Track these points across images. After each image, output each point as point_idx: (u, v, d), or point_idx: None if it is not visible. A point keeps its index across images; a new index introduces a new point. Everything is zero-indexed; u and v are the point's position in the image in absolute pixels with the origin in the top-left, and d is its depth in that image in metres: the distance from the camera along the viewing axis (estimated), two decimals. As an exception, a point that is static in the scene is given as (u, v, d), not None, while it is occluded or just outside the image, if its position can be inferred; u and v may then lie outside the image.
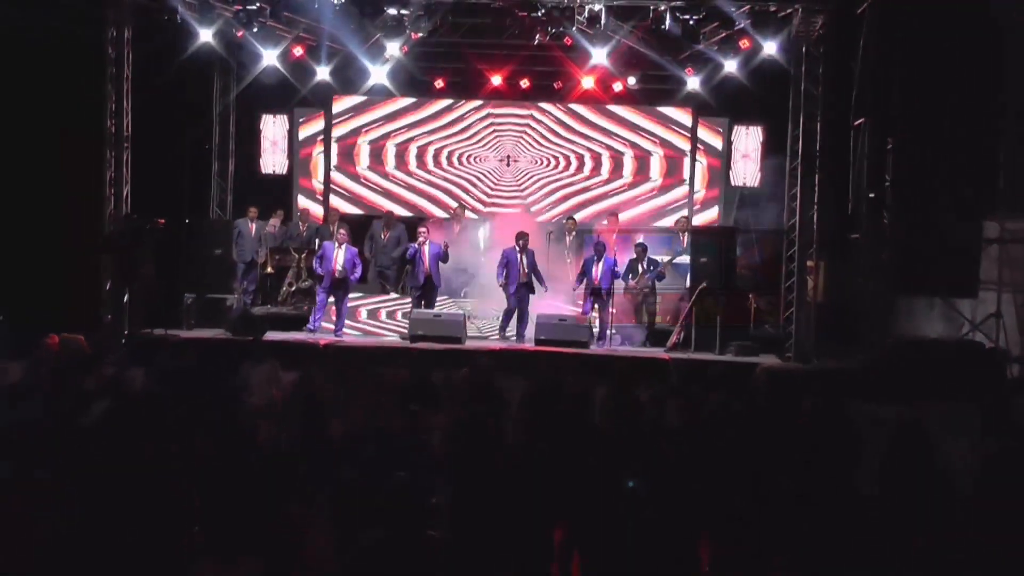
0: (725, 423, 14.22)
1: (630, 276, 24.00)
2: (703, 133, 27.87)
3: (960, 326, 22.49)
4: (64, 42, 23.32)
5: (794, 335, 22.90)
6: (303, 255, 25.81)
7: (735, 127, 27.70)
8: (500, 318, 24.04)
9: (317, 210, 28.02)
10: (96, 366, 17.03)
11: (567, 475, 12.73)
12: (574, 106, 28.01)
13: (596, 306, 23.67)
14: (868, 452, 14.30)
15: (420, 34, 24.76)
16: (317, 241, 25.54)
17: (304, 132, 28.83)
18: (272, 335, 22.82)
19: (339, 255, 23.41)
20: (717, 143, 27.90)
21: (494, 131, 28.14)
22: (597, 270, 23.39)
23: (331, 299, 23.76)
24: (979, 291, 21.85)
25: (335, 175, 28.46)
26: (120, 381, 16.39)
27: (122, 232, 23.15)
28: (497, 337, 23.93)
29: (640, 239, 24.70)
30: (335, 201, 28.15)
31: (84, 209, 24.02)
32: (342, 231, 24.15)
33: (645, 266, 23.93)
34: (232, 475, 11.27)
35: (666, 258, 24.37)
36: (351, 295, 24.19)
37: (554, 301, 24.31)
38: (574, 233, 25.60)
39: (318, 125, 28.70)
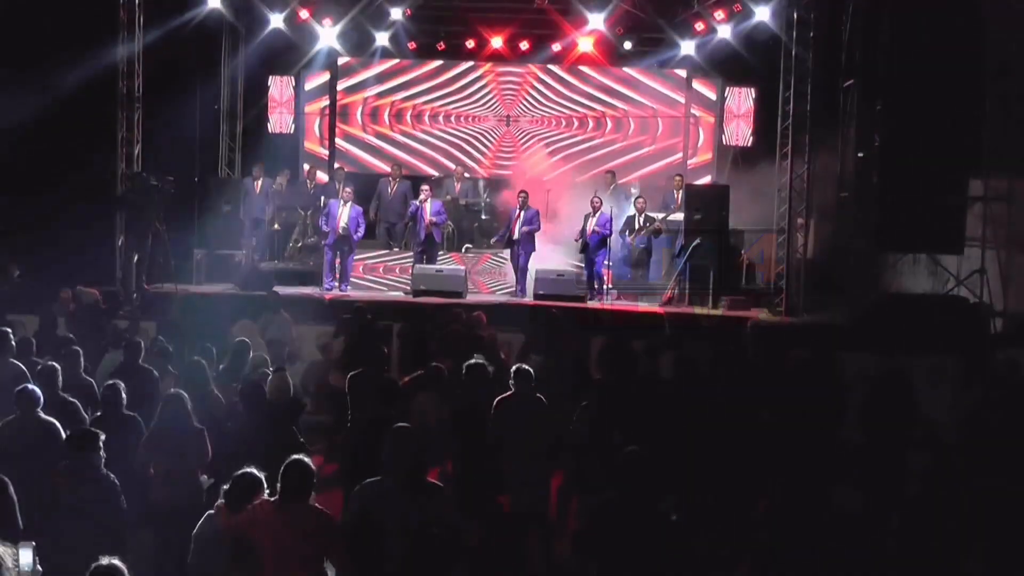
0: (717, 374, 14.84)
1: (627, 232, 24.34)
2: (697, 95, 28.28)
3: (945, 282, 22.89)
4: (79, 5, 23.77)
5: (784, 290, 23.36)
6: (309, 213, 26.08)
7: (728, 89, 28.04)
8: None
9: (321, 168, 28.42)
10: (110, 319, 17.52)
11: (568, 423, 13.33)
12: (572, 67, 28.41)
13: (592, 260, 24.00)
14: (853, 401, 14.96)
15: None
16: (323, 199, 25.82)
17: (310, 93, 29.22)
18: (279, 290, 23.14)
19: (343, 212, 23.62)
20: (711, 104, 28.31)
21: (494, 92, 28.54)
22: (591, 225, 23.81)
23: (336, 255, 23.97)
24: (964, 247, 22.07)
25: (339, 134, 28.93)
26: (133, 334, 16.97)
27: (133, 190, 23.55)
28: (500, 292, 24.36)
29: (638, 194, 25.02)
30: (339, 159, 28.58)
31: (97, 167, 24.46)
32: (347, 189, 24.34)
33: (642, 222, 24.25)
34: (251, 423, 11.84)
35: (662, 214, 24.71)
36: (356, 251, 24.62)
37: (554, 257, 24.77)
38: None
39: (324, 86, 29.13)
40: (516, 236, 23.91)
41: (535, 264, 24.11)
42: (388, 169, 27.01)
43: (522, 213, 23.89)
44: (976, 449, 12.85)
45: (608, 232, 23.69)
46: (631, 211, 24.56)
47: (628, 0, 25.15)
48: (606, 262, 23.95)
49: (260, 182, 26.43)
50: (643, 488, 9.51)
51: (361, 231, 24.02)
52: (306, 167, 28.15)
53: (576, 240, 23.93)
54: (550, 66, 28.50)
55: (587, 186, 26.29)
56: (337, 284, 23.95)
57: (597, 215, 23.60)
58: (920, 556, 10.20)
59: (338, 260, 24.04)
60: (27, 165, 24.10)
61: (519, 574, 11.61)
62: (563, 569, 12.90)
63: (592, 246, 23.73)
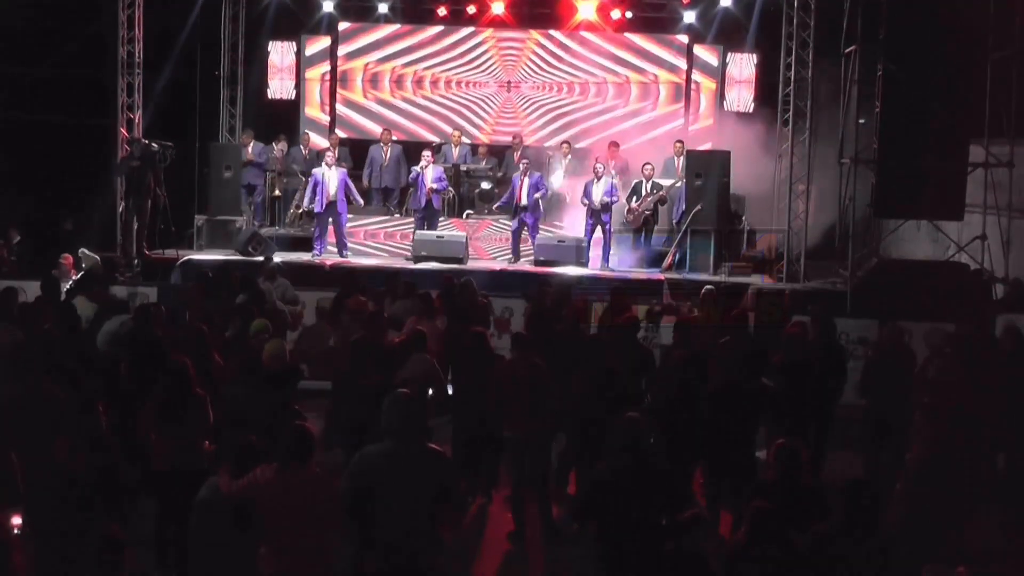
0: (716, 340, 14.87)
1: (634, 198, 24.31)
2: (698, 61, 28.19)
3: (946, 248, 22.94)
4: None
5: (785, 256, 23.36)
6: (308, 179, 26.05)
7: (729, 54, 27.93)
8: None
9: (320, 134, 28.34)
10: (110, 284, 17.54)
11: (564, 389, 13.36)
12: (574, 33, 28.31)
13: (596, 227, 23.93)
14: (853, 366, 15.05)
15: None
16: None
17: (310, 59, 29.12)
18: (279, 256, 23.20)
19: (331, 178, 23.64)
20: (712, 70, 28.21)
21: (495, 57, 28.43)
22: (597, 192, 23.77)
23: (329, 220, 23.98)
24: (965, 213, 22.11)
25: (339, 100, 28.88)
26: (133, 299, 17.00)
27: (134, 156, 23.50)
28: (501, 258, 24.43)
29: (648, 162, 24.93)
30: (340, 125, 28.54)
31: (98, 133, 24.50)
32: (329, 153, 24.47)
33: (649, 189, 24.22)
34: (241, 391, 11.84)
35: (669, 181, 24.67)
36: (356, 216, 24.65)
37: (554, 223, 24.79)
38: (569, 157, 25.86)
39: (324, 52, 29.05)
40: (523, 203, 23.97)
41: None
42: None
43: (525, 179, 23.93)
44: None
45: (615, 200, 23.62)
46: (638, 178, 24.51)
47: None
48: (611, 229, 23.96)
49: (250, 148, 26.39)
50: (644, 454, 9.53)
51: (352, 192, 24.07)
52: (304, 134, 28.00)
53: (585, 205, 23.81)
54: (551, 32, 28.36)
55: (586, 153, 26.18)
56: (333, 249, 24.04)
57: (601, 182, 23.53)
58: (923, 520, 10.27)
59: (332, 227, 24.04)
60: (28, 131, 24.11)
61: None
62: (562, 534, 13.01)
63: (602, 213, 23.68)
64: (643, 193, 24.11)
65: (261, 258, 21.62)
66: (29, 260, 22.15)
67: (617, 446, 9.61)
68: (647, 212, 24.15)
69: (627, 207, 24.21)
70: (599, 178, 23.56)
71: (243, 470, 8.85)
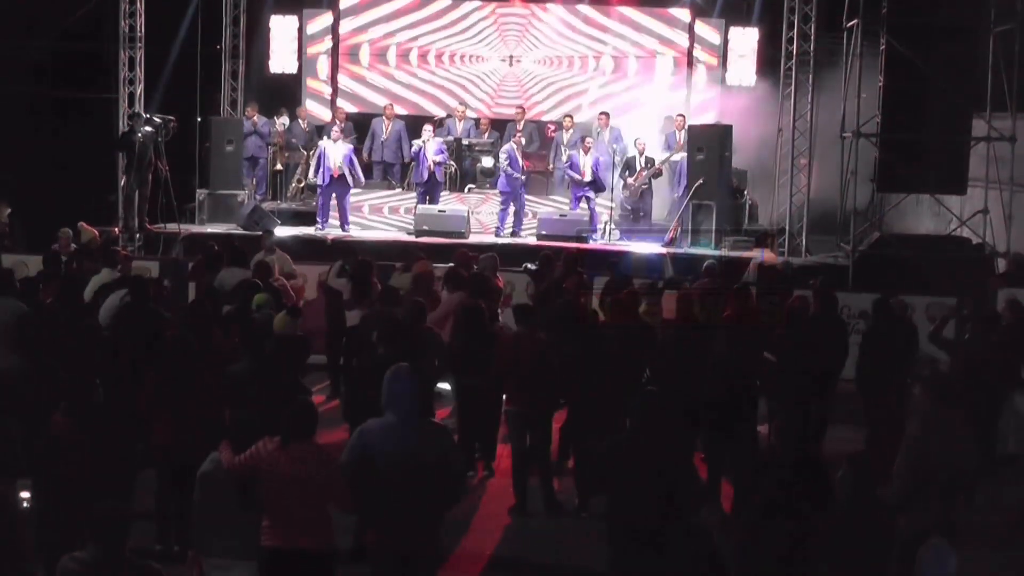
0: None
1: (627, 173, 24.34)
2: (700, 35, 28.08)
3: (948, 222, 22.96)
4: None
5: (787, 231, 23.34)
6: (311, 153, 26.02)
7: (731, 28, 27.83)
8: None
9: (323, 110, 28.30)
10: (109, 259, 17.52)
11: (567, 364, 13.37)
12: (576, 7, 28.20)
13: (585, 200, 23.97)
14: (854, 340, 15.08)
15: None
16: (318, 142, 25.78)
17: (312, 32, 29.03)
18: (281, 230, 23.21)
19: (334, 152, 23.57)
20: (714, 45, 28.10)
21: (497, 31, 28.32)
22: (584, 164, 23.77)
23: (333, 196, 24.00)
24: (967, 188, 22.15)
25: (341, 74, 28.80)
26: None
27: (135, 130, 23.47)
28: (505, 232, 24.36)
29: (639, 136, 24.95)
30: (341, 100, 28.47)
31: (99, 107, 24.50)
32: (335, 128, 24.40)
33: (643, 163, 24.23)
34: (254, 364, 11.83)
35: (664, 155, 24.69)
36: (357, 190, 24.54)
37: (551, 198, 24.80)
38: (571, 130, 25.71)
39: (326, 25, 28.95)
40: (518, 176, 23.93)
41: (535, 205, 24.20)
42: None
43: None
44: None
45: (600, 174, 23.63)
46: (632, 152, 24.52)
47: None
48: (610, 203, 23.94)
49: (254, 120, 26.36)
50: (659, 428, 9.53)
51: (356, 169, 24.03)
52: (300, 108, 27.90)
53: (580, 176, 23.82)
54: (552, 6, 28.22)
55: (585, 128, 26.09)
56: (337, 223, 24.05)
57: (589, 157, 23.53)
58: (922, 495, 10.29)
59: (335, 201, 24.02)
60: (29, 105, 24.08)
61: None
62: (563, 508, 13.04)
63: (592, 186, 23.65)
64: (637, 168, 24.11)
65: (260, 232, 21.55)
66: (23, 234, 22.22)
67: (633, 420, 9.60)
68: (643, 186, 24.16)
69: (623, 182, 24.25)
70: (587, 151, 23.57)
71: (244, 444, 8.86)
